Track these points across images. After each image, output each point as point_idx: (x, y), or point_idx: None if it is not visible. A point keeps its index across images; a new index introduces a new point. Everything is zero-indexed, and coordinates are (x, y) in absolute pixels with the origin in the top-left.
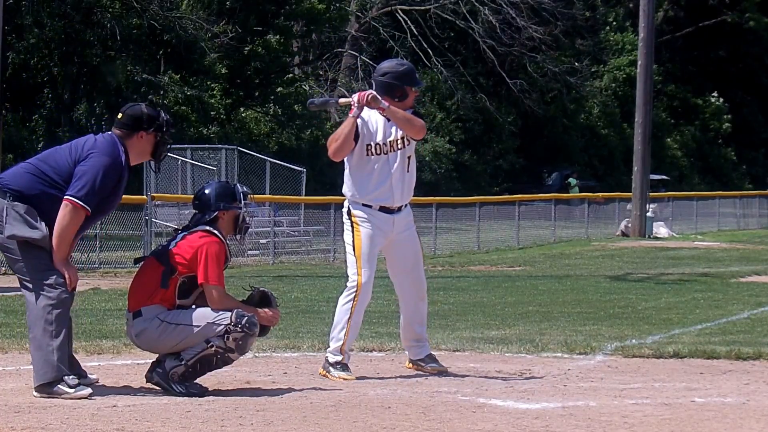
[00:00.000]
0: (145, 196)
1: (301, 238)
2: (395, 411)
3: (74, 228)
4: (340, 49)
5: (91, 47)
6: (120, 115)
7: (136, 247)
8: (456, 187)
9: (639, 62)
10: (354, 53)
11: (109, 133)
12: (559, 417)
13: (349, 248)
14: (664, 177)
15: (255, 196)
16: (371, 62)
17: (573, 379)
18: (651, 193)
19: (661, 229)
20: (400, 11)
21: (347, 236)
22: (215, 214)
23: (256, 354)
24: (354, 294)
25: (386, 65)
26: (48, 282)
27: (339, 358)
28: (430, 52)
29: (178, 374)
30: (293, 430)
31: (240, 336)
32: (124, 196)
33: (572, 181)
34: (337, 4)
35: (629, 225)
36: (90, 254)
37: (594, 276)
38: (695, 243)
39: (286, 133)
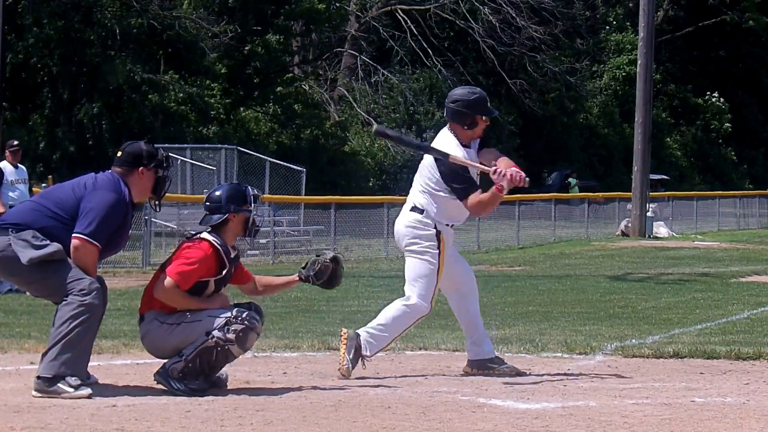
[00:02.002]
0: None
1: (300, 238)
2: (395, 411)
3: (92, 263)
4: (339, 49)
5: (90, 47)
6: (120, 153)
7: (136, 247)
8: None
9: (639, 62)
10: (354, 53)
11: (110, 171)
12: (559, 417)
13: (426, 268)
14: (664, 177)
15: None
16: (371, 62)
17: (573, 379)
18: (651, 193)
19: (661, 229)
20: (399, 11)
21: (428, 257)
22: (225, 216)
23: (256, 354)
24: (417, 316)
25: (458, 92)
26: (80, 287)
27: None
28: (430, 51)
29: (177, 370)
30: (293, 430)
31: (241, 328)
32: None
33: (572, 180)
34: (337, 4)
35: (629, 225)
36: None
37: (594, 276)
38: (695, 243)
39: (286, 133)
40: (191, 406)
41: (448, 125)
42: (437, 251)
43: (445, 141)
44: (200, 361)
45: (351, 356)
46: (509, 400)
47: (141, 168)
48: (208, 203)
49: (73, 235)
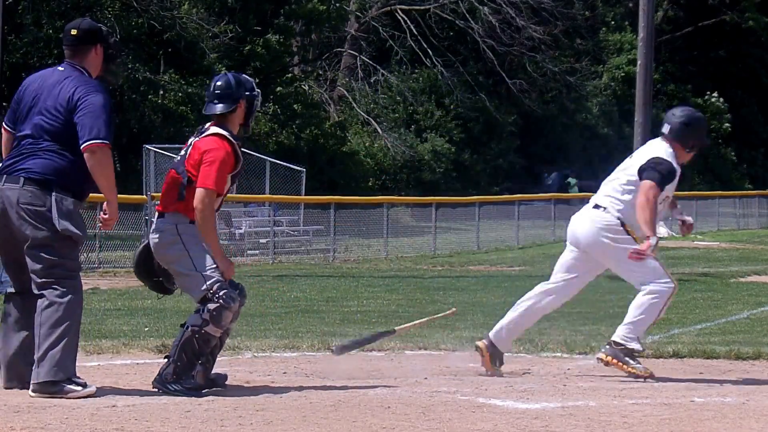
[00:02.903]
0: (145, 196)
1: (300, 238)
2: (395, 411)
3: (111, 167)
4: (339, 49)
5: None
6: (74, 31)
7: (136, 247)
8: (456, 186)
9: (639, 62)
10: (353, 53)
11: (67, 65)
12: (559, 417)
13: (640, 260)
14: None
15: (254, 196)
16: (371, 62)
17: (573, 379)
18: None
19: (660, 229)
20: (399, 11)
21: (628, 244)
22: (237, 102)
23: (256, 354)
24: (667, 296)
25: (693, 114)
26: (76, 282)
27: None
28: (430, 51)
29: (170, 373)
30: (293, 430)
31: (215, 307)
32: (123, 195)
33: (572, 180)
34: (337, 4)
35: None
36: (89, 254)
37: None
38: (695, 243)
39: (286, 133)
40: (191, 406)
41: (663, 138)
42: (630, 236)
43: (662, 152)
44: (186, 355)
45: (497, 366)
46: (509, 400)
47: (97, 45)
48: (217, 91)
49: (85, 144)
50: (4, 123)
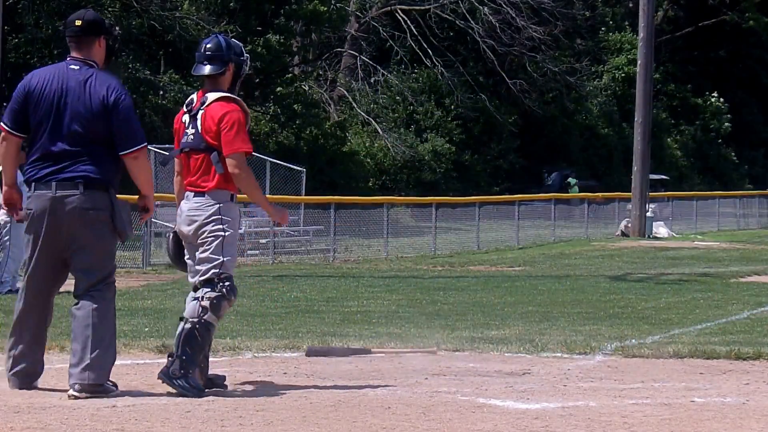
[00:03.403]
0: None
1: (300, 238)
2: (395, 411)
3: (149, 166)
4: (339, 49)
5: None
6: (78, 22)
7: (136, 247)
8: (456, 186)
9: (639, 62)
10: (354, 53)
11: (79, 63)
12: (559, 417)
13: None
14: (663, 177)
15: None
16: (371, 62)
17: (573, 379)
18: (651, 193)
19: (660, 229)
20: (399, 11)
21: None
22: (227, 65)
23: (256, 354)
24: None
25: None
26: (111, 278)
27: None
28: (430, 51)
29: (178, 369)
30: (293, 430)
31: (215, 295)
32: (123, 195)
33: (572, 180)
34: (338, 5)
35: (629, 225)
36: None
37: (594, 276)
38: (695, 243)
39: (286, 133)
40: (191, 407)
41: None
42: None
43: None
44: (189, 348)
45: None
46: (509, 400)
47: (101, 36)
48: (207, 53)
49: (129, 152)
50: (3, 126)
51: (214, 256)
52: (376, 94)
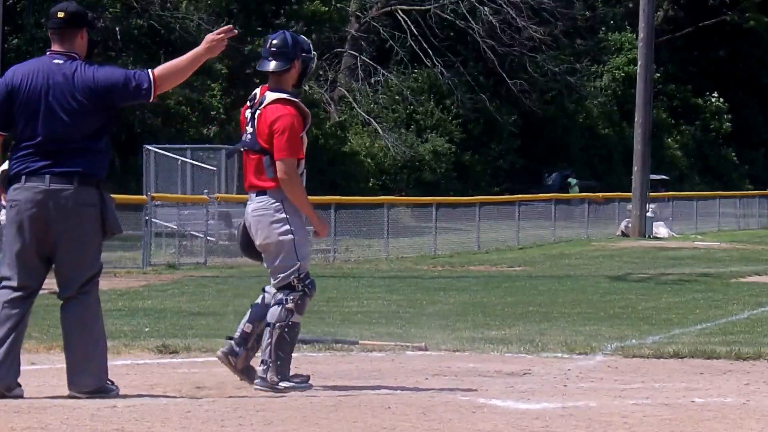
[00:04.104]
0: (145, 196)
1: None
2: (395, 411)
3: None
4: (340, 49)
5: (91, 47)
6: (61, 14)
7: (136, 248)
8: (456, 187)
9: (639, 62)
10: (354, 53)
11: (62, 57)
12: (559, 417)
13: None
14: (664, 177)
15: None
16: (371, 62)
17: (573, 380)
18: (651, 193)
19: (661, 229)
20: (399, 11)
21: None
22: (292, 62)
23: (256, 354)
24: None
25: None
26: (97, 280)
27: None
28: (430, 52)
29: (275, 374)
30: (293, 430)
31: (299, 296)
32: (123, 195)
33: (572, 181)
34: (338, 5)
35: (629, 225)
36: None
37: (594, 276)
38: (695, 243)
39: None
40: (191, 407)
41: None
42: None
43: None
44: (282, 352)
45: None
46: (509, 400)
47: (84, 28)
48: (273, 49)
49: (149, 73)
50: None
51: (289, 264)
52: (376, 94)
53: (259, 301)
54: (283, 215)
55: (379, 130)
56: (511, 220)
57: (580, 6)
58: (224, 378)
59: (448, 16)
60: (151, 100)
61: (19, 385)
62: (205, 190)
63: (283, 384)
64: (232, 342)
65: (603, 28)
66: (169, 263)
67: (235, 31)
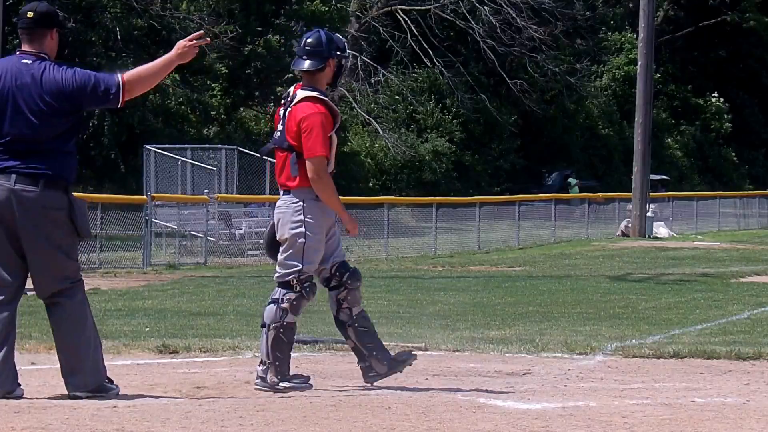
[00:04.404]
0: (145, 197)
1: None
2: (395, 411)
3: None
4: None
5: (92, 47)
6: (30, 14)
7: (136, 248)
8: (456, 187)
9: (639, 62)
10: (354, 53)
11: (30, 57)
12: (559, 417)
13: None
14: (664, 177)
15: (255, 196)
16: (371, 62)
17: (573, 380)
18: (651, 193)
19: (661, 229)
20: (400, 11)
21: None
22: (326, 61)
23: (256, 354)
24: None
25: None
26: (82, 282)
27: None
28: (430, 52)
29: (274, 374)
30: (293, 430)
31: (295, 296)
32: (123, 196)
33: (572, 181)
34: (338, 5)
35: (629, 225)
36: (90, 254)
37: (594, 276)
38: (695, 243)
39: None
40: (191, 407)
41: None
42: None
43: None
44: (279, 352)
45: None
46: (509, 400)
47: (54, 29)
48: (307, 47)
49: (117, 77)
50: None
51: (293, 263)
52: (376, 94)
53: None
54: (301, 216)
55: (380, 130)
56: (511, 220)
57: (580, 6)
58: (224, 378)
59: (448, 16)
60: (119, 106)
61: (19, 385)
62: (206, 190)
63: (283, 384)
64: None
65: (603, 28)
66: (169, 263)
67: (208, 39)
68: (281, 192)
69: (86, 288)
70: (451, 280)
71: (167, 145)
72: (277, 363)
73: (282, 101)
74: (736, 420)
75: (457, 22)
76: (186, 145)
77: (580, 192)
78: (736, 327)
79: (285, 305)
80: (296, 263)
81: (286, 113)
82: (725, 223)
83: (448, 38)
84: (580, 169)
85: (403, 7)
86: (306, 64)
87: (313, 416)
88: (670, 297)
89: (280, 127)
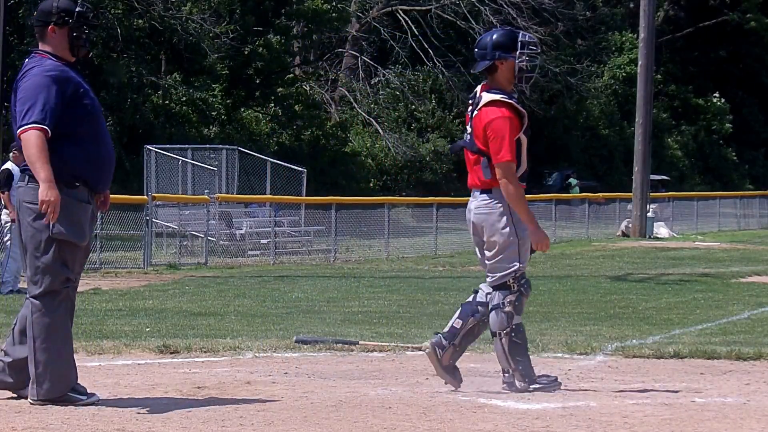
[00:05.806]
0: (145, 197)
1: (301, 238)
2: (395, 411)
3: (42, 150)
4: (340, 50)
5: (93, 47)
6: (35, 14)
7: (137, 248)
8: (456, 186)
9: (639, 62)
10: (355, 53)
11: (33, 56)
12: (560, 417)
13: None
14: (664, 177)
15: (255, 196)
16: (372, 62)
17: (573, 380)
18: (651, 194)
19: (661, 230)
20: (400, 11)
21: None
22: (491, 63)
23: (257, 354)
24: None
25: None
26: (56, 283)
27: None
28: (431, 52)
29: (521, 379)
30: (294, 430)
31: (516, 297)
32: (124, 196)
33: (573, 181)
34: (338, 5)
35: (630, 225)
36: (90, 254)
37: (594, 276)
38: (696, 243)
39: (287, 134)
40: (192, 407)
41: None
42: None
43: None
44: (519, 356)
45: None
46: (510, 400)
47: (50, 26)
48: (476, 49)
49: (18, 130)
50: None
51: (509, 265)
52: (377, 94)
53: (470, 299)
54: (509, 216)
55: (380, 131)
56: None
57: (580, 6)
58: (225, 378)
59: (448, 17)
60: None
61: (27, 385)
62: (206, 191)
63: (532, 387)
64: (441, 335)
65: (603, 28)
66: (169, 263)
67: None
68: (477, 192)
69: (87, 288)
70: (452, 280)
71: (168, 146)
72: (521, 367)
73: (470, 100)
74: (737, 420)
75: (458, 22)
76: (187, 146)
77: (580, 192)
78: (737, 327)
79: (508, 309)
80: (513, 263)
81: (473, 115)
82: (725, 224)
83: (449, 38)
84: (581, 170)
85: (404, 7)
86: (477, 65)
87: (313, 416)
88: (671, 297)
89: (469, 129)
